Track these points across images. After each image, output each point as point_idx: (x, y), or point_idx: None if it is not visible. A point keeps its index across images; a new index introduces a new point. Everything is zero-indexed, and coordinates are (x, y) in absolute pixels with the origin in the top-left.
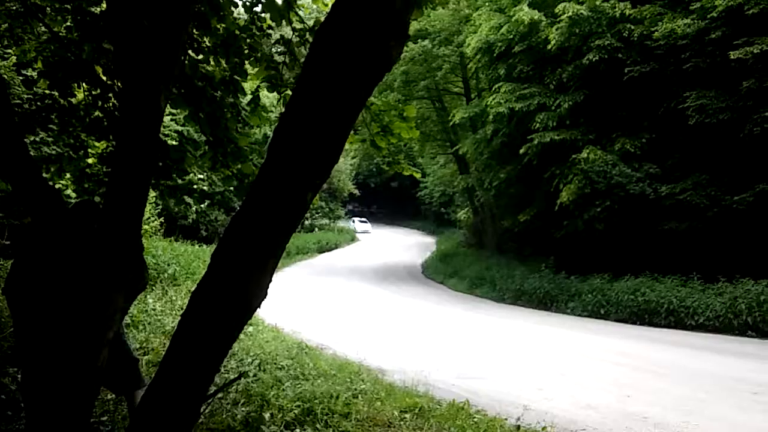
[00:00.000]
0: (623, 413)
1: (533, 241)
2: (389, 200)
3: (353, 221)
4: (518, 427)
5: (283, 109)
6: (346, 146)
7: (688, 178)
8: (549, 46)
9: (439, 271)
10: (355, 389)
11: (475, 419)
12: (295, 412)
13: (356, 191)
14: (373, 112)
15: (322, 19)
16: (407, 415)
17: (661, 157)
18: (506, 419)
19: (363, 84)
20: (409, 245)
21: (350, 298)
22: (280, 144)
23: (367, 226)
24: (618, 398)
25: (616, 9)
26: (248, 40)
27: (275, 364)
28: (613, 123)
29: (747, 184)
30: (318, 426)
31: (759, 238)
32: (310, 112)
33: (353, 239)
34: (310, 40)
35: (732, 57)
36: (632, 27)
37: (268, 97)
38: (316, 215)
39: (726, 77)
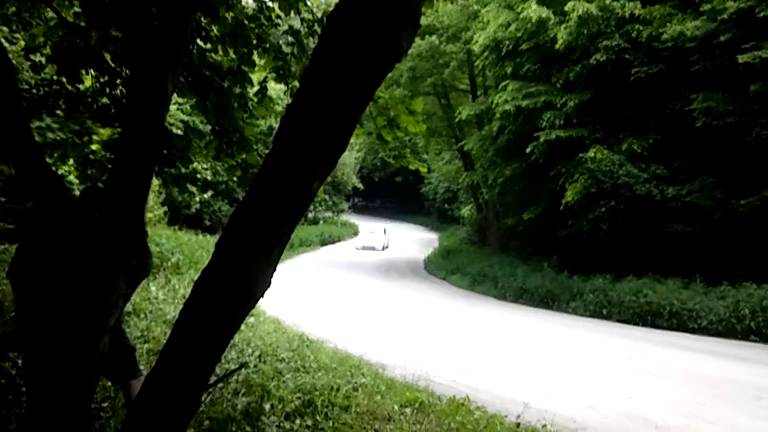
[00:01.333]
0: (624, 414)
1: (536, 239)
2: (393, 195)
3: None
4: (518, 424)
5: (290, 100)
6: (351, 140)
7: (695, 181)
8: (557, 45)
9: (442, 267)
10: (356, 382)
11: (476, 416)
12: (296, 403)
13: (360, 185)
14: (380, 105)
15: (331, 10)
16: (407, 410)
17: (667, 159)
18: (506, 416)
19: (372, 74)
20: (412, 240)
21: (352, 291)
22: (287, 132)
23: (380, 239)
24: (619, 399)
25: (626, 9)
26: (256, 30)
27: (276, 355)
28: (619, 123)
29: (754, 188)
30: (318, 418)
31: (764, 243)
32: (318, 101)
33: (356, 233)
34: (319, 31)
35: (740, 60)
36: (641, 28)
37: (274, 89)
38: (320, 208)
39: (734, 80)
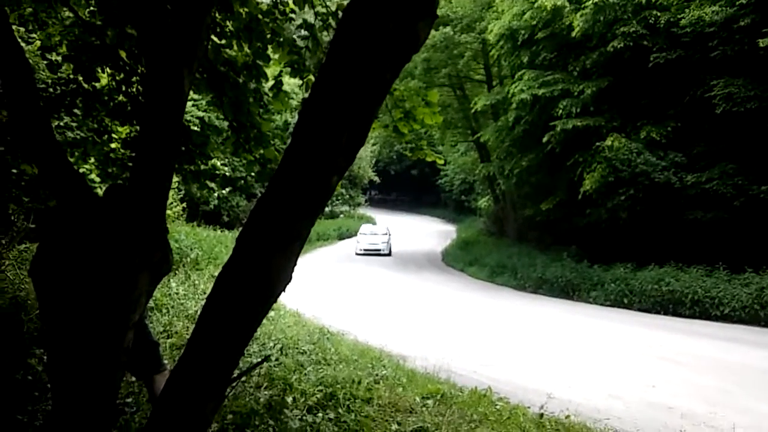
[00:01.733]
0: (648, 403)
1: (555, 229)
2: (409, 188)
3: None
4: (542, 415)
5: (306, 95)
6: None
7: (715, 167)
8: (573, 33)
9: (459, 258)
10: (377, 375)
11: (498, 406)
12: (318, 396)
13: (376, 178)
14: (395, 97)
15: (345, 3)
16: (429, 402)
17: (686, 146)
18: (529, 407)
19: (390, 65)
20: (429, 233)
21: (370, 284)
22: (306, 125)
23: (383, 240)
24: (642, 388)
25: None
26: (271, 25)
27: (297, 348)
28: (637, 110)
29: None
30: (340, 410)
31: None
32: (336, 93)
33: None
34: (333, 24)
35: (761, 44)
36: (658, 14)
37: (289, 84)
38: (337, 202)
39: (754, 65)
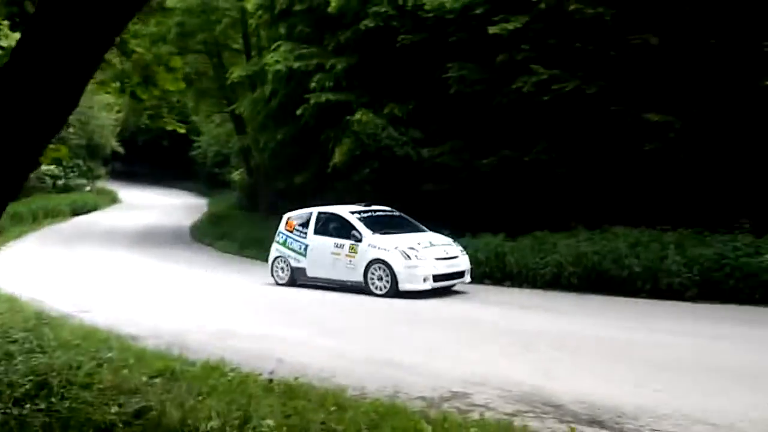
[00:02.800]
0: (371, 360)
1: (306, 202)
2: (159, 160)
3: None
4: (271, 380)
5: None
6: (110, 99)
7: (446, 143)
8: (329, 8)
9: (209, 233)
10: (101, 358)
11: (229, 377)
12: (27, 387)
13: (120, 149)
14: (134, 61)
15: None
16: (158, 380)
17: (424, 123)
18: (261, 374)
19: (110, 20)
20: (177, 207)
21: (106, 263)
22: (6, 86)
23: (454, 249)
24: (368, 348)
25: None
26: None
27: (8, 337)
28: (384, 88)
29: (493, 149)
30: (53, 399)
31: (500, 198)
32: (42, 50)
33: (115, 200)
34: None
35: (490, 32)
36: None
37: (12, 39)
38: (72, 174)
39: (484, 51)
